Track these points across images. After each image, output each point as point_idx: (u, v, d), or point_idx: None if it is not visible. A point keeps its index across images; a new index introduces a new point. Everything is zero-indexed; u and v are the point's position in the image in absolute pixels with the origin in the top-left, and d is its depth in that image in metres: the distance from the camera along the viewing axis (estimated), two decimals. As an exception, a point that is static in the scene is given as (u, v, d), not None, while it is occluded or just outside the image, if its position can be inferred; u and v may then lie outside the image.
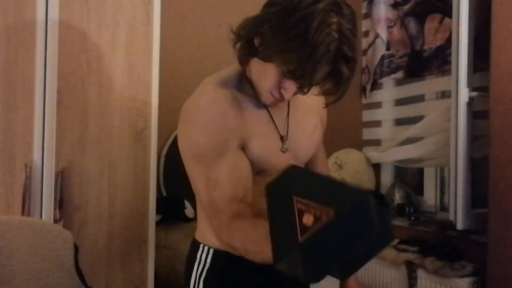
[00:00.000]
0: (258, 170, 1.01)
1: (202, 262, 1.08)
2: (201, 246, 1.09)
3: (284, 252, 0.70)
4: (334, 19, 0.82)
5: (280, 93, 0.94)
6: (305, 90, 0.91)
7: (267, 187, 0.78)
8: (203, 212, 1.09)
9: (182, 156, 0.99)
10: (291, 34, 0.82)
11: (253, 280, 1.03)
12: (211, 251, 1.07)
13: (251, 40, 0.92)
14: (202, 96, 0.98)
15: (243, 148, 0.98)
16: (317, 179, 0.73)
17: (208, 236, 1.07)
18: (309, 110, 1.14)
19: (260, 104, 1.02)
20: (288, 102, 1.09)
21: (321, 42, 0.81)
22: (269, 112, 1.04)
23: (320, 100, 1.21)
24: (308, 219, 0.69)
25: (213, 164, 0.94)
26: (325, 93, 0.93)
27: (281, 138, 1.05)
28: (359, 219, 0.63)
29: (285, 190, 0.73)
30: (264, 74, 0.93)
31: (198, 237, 1.13)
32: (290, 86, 0.92)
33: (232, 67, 1.05)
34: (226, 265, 1.03)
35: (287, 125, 1.07)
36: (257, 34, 0.90)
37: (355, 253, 0.63)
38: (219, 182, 0.94)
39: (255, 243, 0.87)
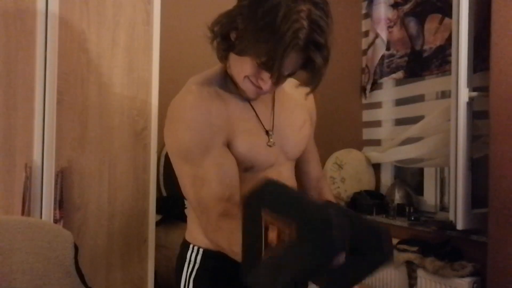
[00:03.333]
0: (246, 167, 1.00)
1: (192, 262, 1.08)
2: (191, 246, 1.09)
3: (250, 266, 0.69)
4: (303, 7, 0.82)
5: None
6: (277, 81, 0.90)
7: (242, 198, 0.76)
8: (192, 211, 1.08)
9: (169, 154, 1.00)
10: (260, 24, 0.82)
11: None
12: (201, 251, 1.07)
13: (227, 35, 0.92)
14: (187, 95, 0.99)
15: (229, 145, 0.98)
16: (289, 194, 0.71)
17: (198, 236, 1.07)
18: (296, 105, 1.13)
19: (243, 100, 1.02)
20: (273, 96, 1.09)
21: (288, 29, 0.80)
22: (252, 107, 1.03)
23: (309, 95, 1.20)
24: (272, 234, 0.68)
25: (199, 162, 0.94)
26: (302, 83, 0.93)
27: (267, 132, 1.04)
28: (321, 237, 0.60)
29: (257, 202, 0.71)
30: (241, 68, 0.93)
31: (187, 237, 1.12)
32: (268, 78, 0.91)
33: (217, 66, 1.05)
34: (216, 265, 1.03)
35: (273, 120, 1.06)
36: (232, 29, 0.91)
37: (318, 271, 0.62)
38: (205, 180, 0.94)
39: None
